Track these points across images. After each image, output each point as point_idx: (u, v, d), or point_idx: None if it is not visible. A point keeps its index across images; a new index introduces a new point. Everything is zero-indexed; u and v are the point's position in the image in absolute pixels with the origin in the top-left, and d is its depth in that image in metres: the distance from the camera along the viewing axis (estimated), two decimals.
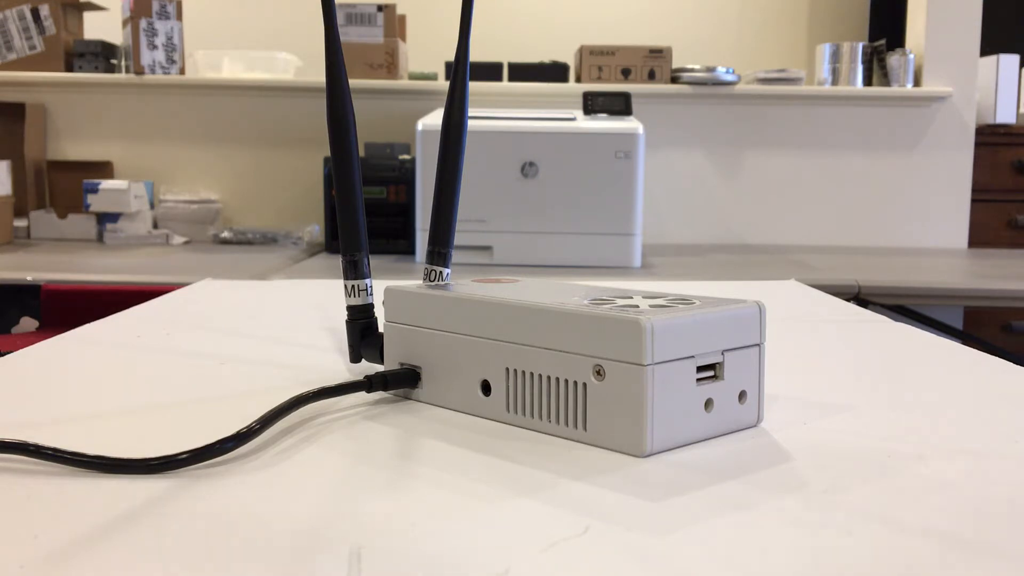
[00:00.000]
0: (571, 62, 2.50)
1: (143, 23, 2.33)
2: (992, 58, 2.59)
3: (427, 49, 2.76)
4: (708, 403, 0.41)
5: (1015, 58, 2.62)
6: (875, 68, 2.47)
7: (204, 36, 2.85)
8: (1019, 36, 3.13)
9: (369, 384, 0.47)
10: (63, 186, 2.39)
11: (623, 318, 0.39)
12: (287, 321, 0.74)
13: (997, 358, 0.60)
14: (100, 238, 2.27)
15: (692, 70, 2.37)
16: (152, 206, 2.36)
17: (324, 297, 0.87)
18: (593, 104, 2.04)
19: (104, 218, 2.26)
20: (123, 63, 2.43)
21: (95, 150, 2.45)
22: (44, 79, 2.38)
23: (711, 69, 2.37)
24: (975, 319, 2.49)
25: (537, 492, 0.35)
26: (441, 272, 0.54)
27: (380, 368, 0.52)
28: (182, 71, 2.39)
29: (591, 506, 0.34)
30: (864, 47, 2.46)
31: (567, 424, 0.42)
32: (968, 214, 2.46)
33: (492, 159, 1.86)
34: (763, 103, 2.43)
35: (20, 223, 2.27)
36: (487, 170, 1.86)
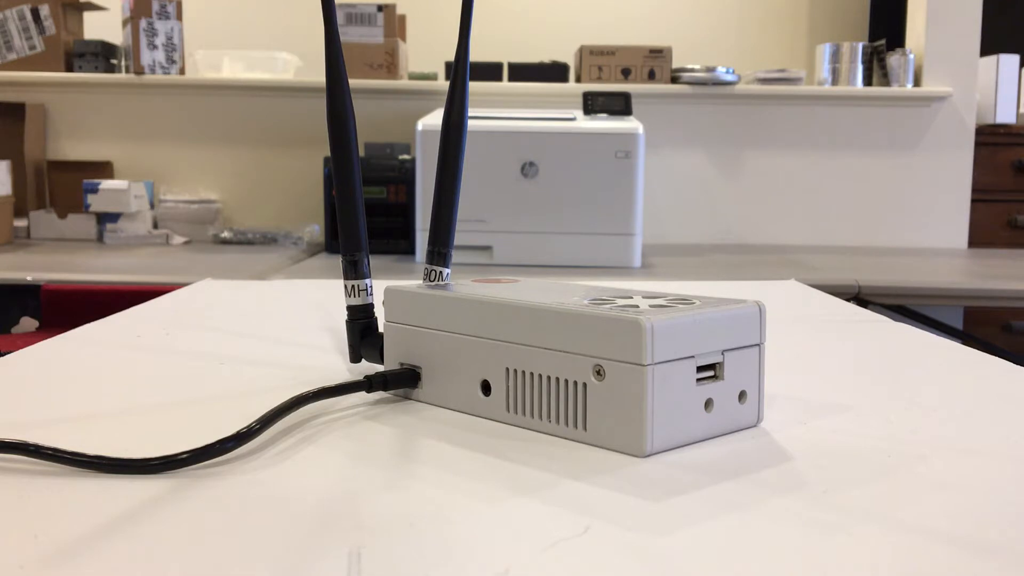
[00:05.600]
0: (571, 62, 2.50)
1: (143, 23, 2.33)
2: (992, 58, 2.59)
3: (427, 49, 2.76)
4: (708, 403, 0.41)
5: (1015, 58, 2.62)
6: (875, 68, 2.47)
7: (204, 36, 2.86)
8: (1019, 36, 3.13)
9: (369, 384, 0.47)
10: (63, 186, 2.39)
11: (623, 318, 0.39)
12: (287, 321, 0.74)
13: (997, 358, 0.60)
14: (100, 238, 2.27)
15: (692, 70, 2.37)
16: (152, 206, 2.36)
17: (324, 297, 0.87)
18: (593, 104, 2.04)
19: (104, 218, 2.26)
20: (123, 63, 2.43)
21: (95, 150, 2.45)
22: (44, 79, 2.38)
23: (711, 69, 2.37)
24: (975, 319, 2.49)
25: (537, 492, 0.35)
26: (441, 272, 0.54)
27: (380, 368, 0.52)
28: (182, 71, 2.39)
29: (591, 506, 0.34)
30: (864, 47, 2.46)
31: (567, 424, 0.42)
32: (968, 214, 2.46)
33: (492, 159, 1.86)
34: (763, 103, 2.43)
35: (20, 223, 2.27)
36: (487, 170, 1.86)
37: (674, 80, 2.39)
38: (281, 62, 2.46)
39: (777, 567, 0.29)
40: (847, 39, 2.80)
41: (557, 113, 1.99)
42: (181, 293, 0.88)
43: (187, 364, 0.58)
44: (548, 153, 1.86)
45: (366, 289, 0.53)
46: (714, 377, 0.42)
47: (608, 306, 0.41)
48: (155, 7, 2.32)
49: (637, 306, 0.42)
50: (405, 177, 2.04)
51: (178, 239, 2.30)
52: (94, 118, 2.44)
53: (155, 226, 2.33)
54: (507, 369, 0.44)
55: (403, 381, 0.48)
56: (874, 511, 0.33)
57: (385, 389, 0.48)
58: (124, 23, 2.40)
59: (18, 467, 0.38)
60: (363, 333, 0.53)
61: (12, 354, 0.59)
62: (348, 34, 2.31)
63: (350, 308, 0.53)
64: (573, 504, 0.34)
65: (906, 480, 0.37)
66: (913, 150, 2.45)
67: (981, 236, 2.53)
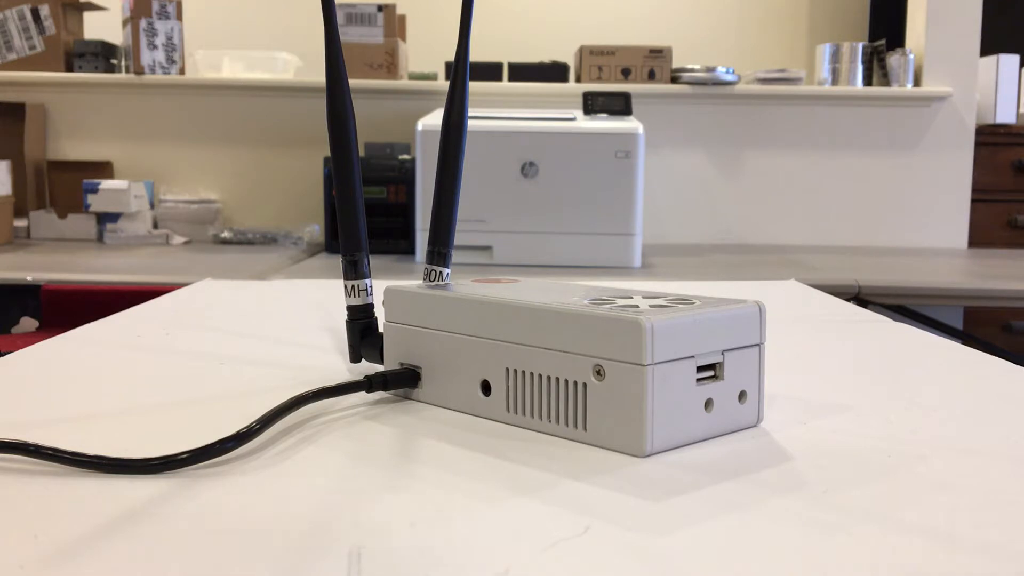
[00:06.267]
0: (571, 62, 2.50)
1: (143, 23, 2.33)
2: (992, 58, 2.59)
3: (427, 49, 2.76)
4: (708, 403, 0.41)
5: (1015, 58, 2.62)
6: (875, 68, 2.47)
7: (204, 36, 2.85)
8: (1019, 36, 3.13)
9: (369, 384, 0.47)
10: (63, 186, 2.39)
11: (623, 318, 0.39)
12: (287, 321, 0.74)
13: (997, 358, 0.60)
14: (100, 238, 2.27)
15: (692, 70, 2.37)
16: (152, 206, 2.36)
17: (324, 297, 0.87)
18: (593, 104, 2.04)
19: (104, 218, 2.26)
20: (123, 63, 2.43)
21: (95, 150, 2.45)
22: (44, 79, 2.38)
23: (711, 69, 2.37)
24: (975, 319, 2.49)
25: (537, 492, 0.35)
26: (441, 272, 0.54)
27: (380, 368, 0.52)
28: (182, 71, 2.39)
29: (591, 506, 0.34)
30: (864, 47, 2.46)
31: (567, 424, 0.42)
32: (968, 214, 2.46)
33: (492, 159, 1.86)
34: (763, 103, 2.43)
35: (20, 223, 2.27)
36: (487, 170, 1.86)
37: (674, 80, 2.39)
38: (281, 62, 2.46)
39: (777, 567, 0.29)
40: (847, 39, 2.80)
41: (557, 113, 1.99)
42: (181, 293, 0.88)
43: (187, 364, 0.58)
44: (548, 153, 1.85)
45: (366, 289, 0.53)
46: (714, 377, 0.42)
47: (608, 306, 0.41)
48: (155, 7, 2.32)
49: (637, 306, 0.42)
50: (405, 177, 2.04)
51: (178, 239, 2.30)
52: (94, 118, 2.44)
53: (155, 226, 2.33)
54: (507, 369, 0.44)
55: (403, 381, 0.48)
56: (874, 511, 0.33)
57: (385, 389, 0.48)
58: (124, 23, 2.40)
59: (18, 467, 0.38)
60: (363, 333, 0.53)
61: (12, 354, 0.59)
62: (348, 34, 2.31)
63: (350, 308, 0.53)
64: (573, 504, 0.34)
65: (906, 480, 0.37)
66: (913, 150, 2.45)
67: (981, 236, 2.53)
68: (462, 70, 0.54)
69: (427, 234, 0.55)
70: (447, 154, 0.54)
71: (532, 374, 0.43)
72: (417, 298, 0.48)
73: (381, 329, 0.52)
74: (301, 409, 0.45)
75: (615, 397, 0.39)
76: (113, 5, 2.59)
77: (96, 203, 2.24)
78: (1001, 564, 0.29)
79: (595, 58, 2.37)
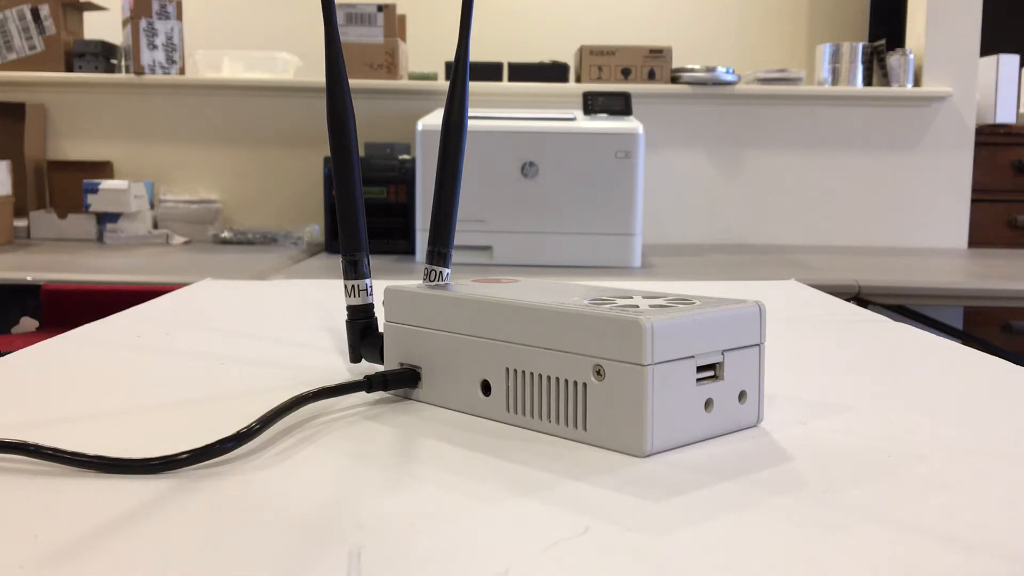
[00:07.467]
0: (571, 62, 2.50)
1: (143, 23, 2.32)
2: (992, 58, 2.59)
3: (427, 49, 2.76)
4: (708, 403, 0.41)
5: (1015, 58, 2.62)
6: (875, 68, 2.47)
7: (204, 36, 2.86)
8: (1019, 36, 3.13)
9: (369, 384, 0.47)
10: (63, 186, 2.39)
11: (623, 318, 0.39)
12: (287, 321, 0.74)
13: (997, 358, 0.60)
14: (100, 238, 2.27)
15: (692, 70, 2.37)
16: (152, 206, 2.36)
17: (324, 297, 0.87)
18: (593, 104, 2.04)
19: (104, 218, 2.26)
20: (123, 63, 2.43)
21: (95, 150, 2.45)
22: (44, 79, 2.38)
23: (711, 69, 2.37)
24: (975, 319, 2.49)
25: (537, 492, 0.35)
26: (441, 272, 0.54)
27: (380, 368, 0.52)
28: (182, 71, 2.39)
29: (591, 506, 0.34)
30: (864, 47, 2.46)
31: (567, 424, 0.42)
32: (968, 214, 2.46)
33: (492, 159, 1.86)
34: (763, 103, 2.43)
35: (20, 223, 2.27)
36: (487, 170, 1.86)
37: (674, 80, 2.39)
38: (281, 62, 2.46)
39: (777, 567, 0.29)
40: (847, 39, 2.80)
41: (557, 113, 1.99)
42: (181, 293, 0.88)
43: (187, 364, 0.58)
44: (548, 153, 1.85)
45: (366, 289, 0.53)
46: (714, 377, 0.42)
47: (608, 306, 0.41)
48: (155, 7, 2.32)
49: (637, 306, 0.42)
50: (405, 177, 2.04)
51: (178, 239, 2.30)
52: (94, 118, 2.44)
53: (155, 226, 2.33)
54: (507, 369, 0.44)
55: (403, 381, 0.48)
56: (874, 511, 0.33)
57: (385, 389, 0.48)
58: (124, 23, 2.40)
59: (18, 467, 0.38)
60: (363, 333, 0.53)
61: (12, 354, 0.59)
62: (348, 34, 2.31)
63: (350, 308, 0.53)
64: (573, 504, 0.34)
65: (906, 480, 0.37)
66: (913, 150, 2.45)
67: (981, 236, 2.53)
68: (462, 70, 0.54)
69: (427, 234, 0.55)
70: (447, 154, 0.54)
71: (532, 374, 0.43)
72: (417, 298, 0.48)
73: (381, 329, 0.52)
74: (301, 409, 0.45)
75: (615, 397, 0.39)
76: (113, 5, 2.59)
77: (96, 203, 2.24)
78: (1001, 564, 0.29)
79: (595, 58, 2.37)
